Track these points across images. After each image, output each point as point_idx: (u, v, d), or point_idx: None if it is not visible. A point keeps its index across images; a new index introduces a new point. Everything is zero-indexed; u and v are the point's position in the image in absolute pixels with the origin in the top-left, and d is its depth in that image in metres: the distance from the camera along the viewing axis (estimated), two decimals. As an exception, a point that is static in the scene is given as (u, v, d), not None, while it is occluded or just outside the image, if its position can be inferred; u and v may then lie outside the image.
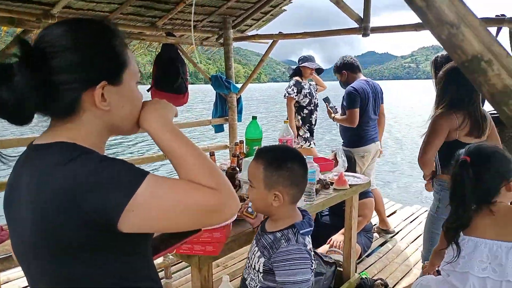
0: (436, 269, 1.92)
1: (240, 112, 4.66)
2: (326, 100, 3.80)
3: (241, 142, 2.58)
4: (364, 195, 3.18)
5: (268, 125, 17.13)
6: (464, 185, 1.49)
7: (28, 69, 0.73)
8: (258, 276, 1.44)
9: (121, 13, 3.46)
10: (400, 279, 3.02)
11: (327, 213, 3.51)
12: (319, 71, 4.42)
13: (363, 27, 3.33)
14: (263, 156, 1.45)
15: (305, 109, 4.28)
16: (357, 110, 3.46)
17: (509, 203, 1.56)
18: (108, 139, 0.90)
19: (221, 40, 4.53)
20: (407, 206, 4.74)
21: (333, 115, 3.73)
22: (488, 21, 2.72)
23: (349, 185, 2.40)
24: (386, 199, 4.91)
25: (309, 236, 1.47)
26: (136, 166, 0.80)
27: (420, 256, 3.32)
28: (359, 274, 2.79)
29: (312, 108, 4.31)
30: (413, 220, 4.23)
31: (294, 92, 4.19)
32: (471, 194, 1.49)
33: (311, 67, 4.22)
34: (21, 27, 2.87)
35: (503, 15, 2.74)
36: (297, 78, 4.28)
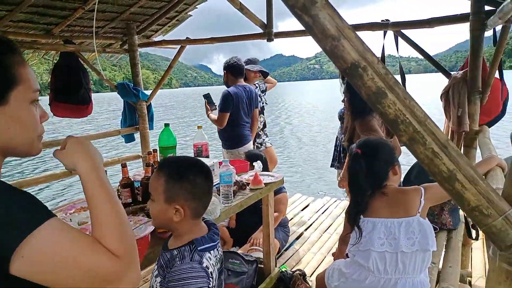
0: (346, 253, 2.13)
1: (151, 119, 4.54)
2: (206, 96, 3.82)
3: (155, 151, 2.54)
4: (278, 191, 3.35)
5: (181, 131, 16.88)
6: (359, 174, 1.69)
7: None
8: None
9: (10, 20, 3.14)
10: (317, 267, 3.23)
11: (247, 213, 3.61)
12: (264, 74, 4.38)
13: (267, 32, 3.51)
14: (165, 167, 1.37)
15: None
16: (227, 114, 3.65)
17: (397, 185, 1.81)
18: (2, 161, 0.85)
19: (126, 46, 4.37)
20: (319, 198, 5.08)
21: (209, 112, 3.81)
22: (374, 25, 3.06)
23: (264, 183, 2.51)
24: (299, 194, 5.22)
25: (216, 250, 1.40)
26: (43, 205, 0.73)
27: (332, 244, 3.62)
28: (279, 268, 2.93)
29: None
30: (324, 211, 4.54)
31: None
32: (366, 181, 1.70)
33: (253, 70, 4.19)
34: None
35: (387, 20, 3.12)
36: (240, 81, 4.14)
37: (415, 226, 1.64)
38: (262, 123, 4.38)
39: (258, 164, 2.94)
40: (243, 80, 4.01)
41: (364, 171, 1.71)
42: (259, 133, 4.35)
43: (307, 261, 3.33)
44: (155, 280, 1.36)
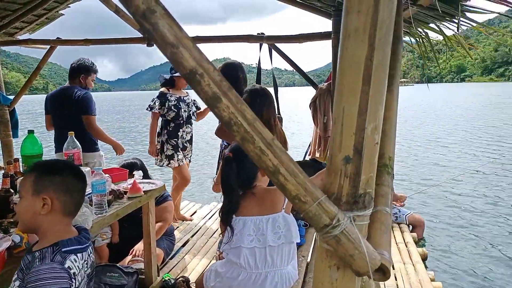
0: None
1: (15, 127, 4.03)
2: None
3: (16, 160, 2.28)
4: (163, 200, 3.30)
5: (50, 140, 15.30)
6: (230, 176, 1.80)
7: None
8: None
9: None
10: (202, 272, 3.26)
11: (130, 226, 3.45)
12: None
13: (147, 37, 3.45)
14: (37, 165, 1.39)
15: (171, 123, 3.94)
16: (48, 116, 3.53)
17: (265, 186, 1.97)
18: None
19: (-19, 44, 3.82)
20: (206, 204, 5.13)
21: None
22: (250, 38, 3.27)
23: (144, 191, 2.45)
24: (186, 201, 5.20)
25: (84, 254, 1.38)
26: None
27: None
28: (162, 277, 2.87)
29: (181, 122, 3.98)
30: (212, 216, 4.62)
31: (156, 106, 3.86)
32: (237, 182, 1.82)
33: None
34: None
35: (262, 33, 3.36)
36: (163, 89, 3.96)
37: (281, 221, 1.81)
38: (188, 133, 4.11)
39: (138, 173, 2.86)
40: (170, 87, 3.93)
41: (235, 173, 1.82)
42: (185, 145, 4.08)
43: (192, 268, 3.33)
44: (14, 284, 1.29)
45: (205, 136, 13.95)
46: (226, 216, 1.81)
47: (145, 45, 3.57)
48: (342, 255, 0.75)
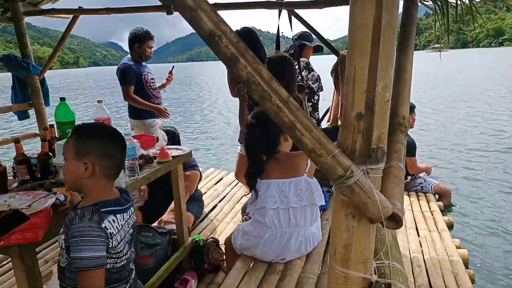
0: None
1: (46, 95, 4.19)
2: None
3: (51, 126, 2.41)
4: (189, 167, 3.42)
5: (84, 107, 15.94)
6: (254, 142, 1.86)
7: None
8: (63, 253, 1.41)
9: None
10: (230, 235, 3.41)
11: (159, 191, 3.62)
12: (317, 48, 3.71)
13: (166, 5, 3.44)
14: (78, 129, 1.43)
15: (315, 95, 3.55)
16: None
17: (288, 151, 2.02)
18: None
19: (9, 14, 3.92)
20: (232, 171, 5.24)
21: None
22: (269, 4, 3.21)
23: (172, 156, 2.55)
24: (212, 168, 5.34)
25: (125, 215, 1.46)
26: None
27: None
28: (193, 238, 3.03)
29: (319, 93, 3.60)
30: (237, 183, 4.73)
31: (310, 78, 3.42)
32: (260, 148, 1.88)
33: (311, 45, 3.61)
34: None
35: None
36: (304, 59, 3.53)
37: (303, 184, 1.87)
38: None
39: (163, 137, 2.93)
40: (300, 56, 3.41)
41: (258, 138, 1.87)
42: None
43: (221, 230, 3.47)
44: (60, 238, 1.40)
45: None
46: (251, 179, 1.88)
47: (165, 13, 3.57)
48: (357, 204, 0.80)
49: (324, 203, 2.03)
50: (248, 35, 3.08)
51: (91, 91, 29.83)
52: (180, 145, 3.46)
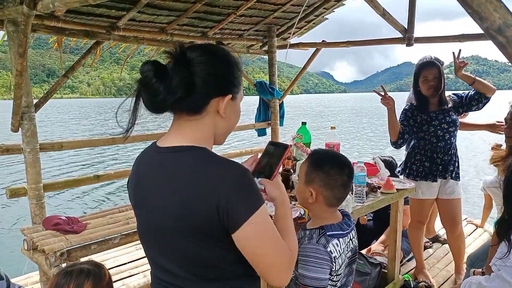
0: (480, 271, 2.01)
1: (282, 117, 4.85)
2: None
3: (290, 146, 2.74)
4: (406, 203, 3.26)
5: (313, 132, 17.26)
6: None
7: (180, 72, 0.92)
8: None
9: (177, 24, 3.72)
10: (442, 284, 3.06)
11: (371, 218, 3.61)
12: None
13: (407, 37, 3.43)
14: (312, 154, 1.58)
15: None
16: None
17: None
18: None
19: (266, 48, 4.72)
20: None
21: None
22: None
23: (396, 189, 2.50)
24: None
25: (346, 238, 1.51)
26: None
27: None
28: (402, 276, 2.88)
29: None
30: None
31: None
32: None
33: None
34: (94, 38, 3.17)
35: None
36: None
37: None
38: None
39: (384, 169, 2.87)
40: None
41: None
42: None
43: (432, 275, 3.18)
44: None
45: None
46: (506, 229, 1.63)
47: (404, 45, 3.56)
48: None
49: None
50: None
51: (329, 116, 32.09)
52: (394, 175, 3.36)
